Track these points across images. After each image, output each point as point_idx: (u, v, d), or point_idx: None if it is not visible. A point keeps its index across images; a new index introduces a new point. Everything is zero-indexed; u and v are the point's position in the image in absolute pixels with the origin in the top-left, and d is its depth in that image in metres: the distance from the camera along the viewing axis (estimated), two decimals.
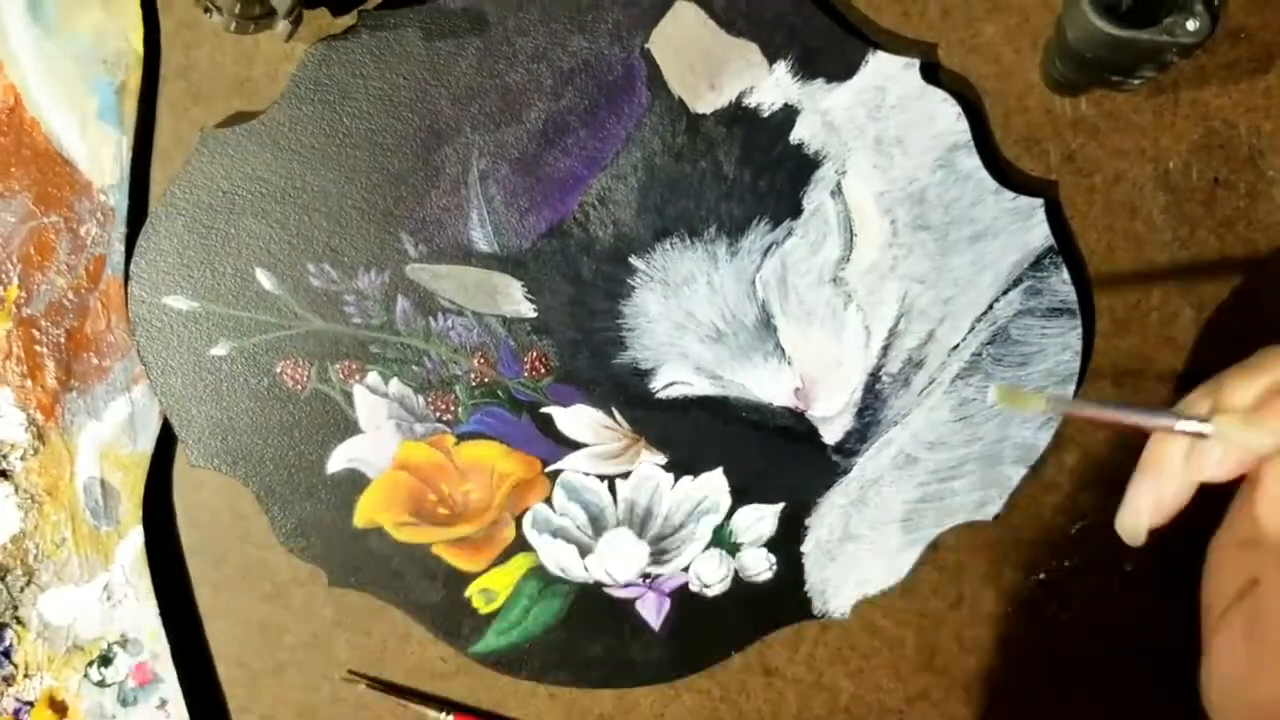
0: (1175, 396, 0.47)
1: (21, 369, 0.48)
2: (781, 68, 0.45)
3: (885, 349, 0.47)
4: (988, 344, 0.46)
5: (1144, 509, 0.37)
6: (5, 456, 0.48)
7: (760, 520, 0.48)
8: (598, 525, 0.49)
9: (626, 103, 0.46)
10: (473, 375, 0.48)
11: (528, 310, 0.47)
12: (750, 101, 0.45)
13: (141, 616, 0.49)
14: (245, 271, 0.47)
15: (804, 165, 0.46)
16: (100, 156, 0.47)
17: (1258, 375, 0.34)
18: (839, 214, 0.46)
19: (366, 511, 0.49)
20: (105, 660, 0.50)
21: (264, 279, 0.47)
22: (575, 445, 0.48)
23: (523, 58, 0.45)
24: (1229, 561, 0.37)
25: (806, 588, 0.49)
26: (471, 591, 0.49)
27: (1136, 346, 0.47)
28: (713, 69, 0.45)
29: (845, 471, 0.48)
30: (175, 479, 0.50)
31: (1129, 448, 0.47)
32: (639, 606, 0.49)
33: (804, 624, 0.50)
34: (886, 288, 0.46)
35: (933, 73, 0.46)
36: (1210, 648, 0.36)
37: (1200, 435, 0.35)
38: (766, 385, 0.47)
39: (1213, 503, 0.48)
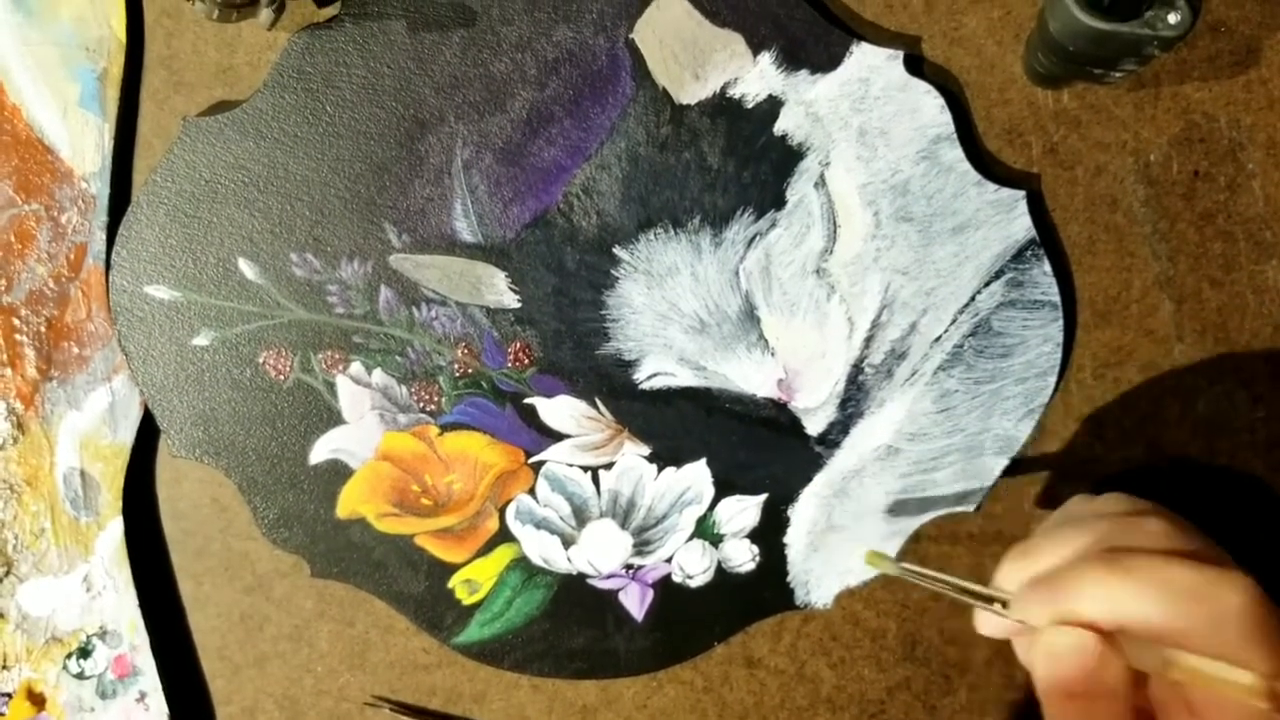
0: (1154, 391, 0.48)
1: (1, 358, 0.47)
2: (766, 59, 0.45)
3: (868, 340, 0.47)
4: (970, 336, 0.47)
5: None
6: None
7: (743, 511, 0.49)
8: (581, 516, 0.49)
9: (611, 93, 0.46)
10: (456, 366, 0.47)
11: (511, 301, 0.47)
12: (735, 92, 0.46)
13: (121, 608, 0.49)
14: (227, 261, 0.47)
15: (788, 156, 0.46)
16: (82, 144, 0.47)
17: (1037, 555, 0.38)
18: (822, 205, 0.46)
19: (349, 502, 0.48)
20: (84, 652, 0.49)
21: (246, 268, 0.47)
22: (558, 436, 0.48)
23: (507, 47, 0.45)
24: None
25: (789, 578, 0.49)
26: (454, 582, 0.49)
27: (1117, 339, 0.48)
28: (697, 59, 0.45)
29: (828, 463, 0.48)
30: (156, 470, 0.50)
31: (1108, 441, 0.48)
32: (622, 597, 0.49)
33: (786, 615, 0.50)
34: (869, 279, 0.46)
35: (916, 65, 0.46)
36: None
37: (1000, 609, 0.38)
38: (750, 376, 0.47)
39: (1177, 499, 0.48)
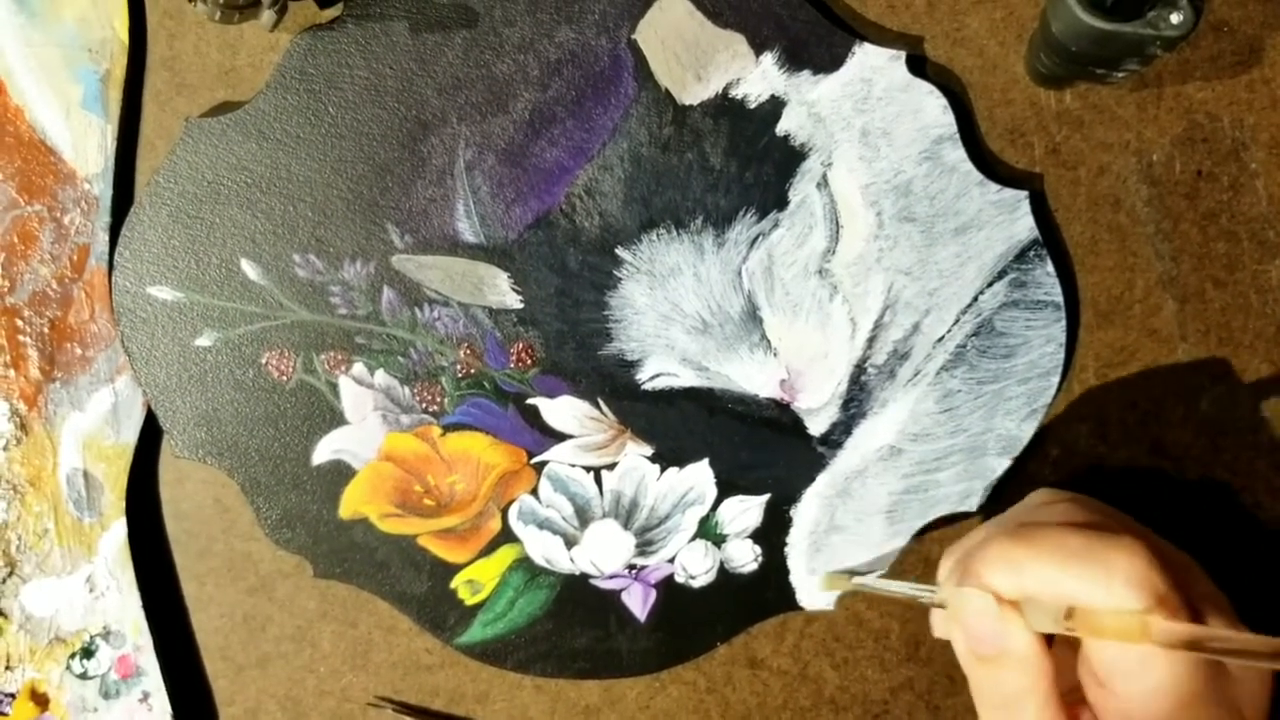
0: (1157, 391, 0.48)
1: (4, 359, 0.47)
2: (768, 59, 0.45)
3: (871, 341, 0.47)
4: (972, 336, 0.47)
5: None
6: None
7: (746, 511, 0.48)
8: (584, 516, 0.49)
9: (613, 94, 0.46)
10: (459, 366, 0.48)
11: (514, 301, 0.47)
12: (737, 93, 0.46)
13: (124, 609, 0.49)
14: (230, 262, 0.47)
15: (790, 157, 0.46)
16: (85, 145, 0.47)
17: (961, 545, 0.41)
18: (825, 206, 0.46)
19: (352, 503, 0.48)
20: (88, 652, 0.49)
21: (249, 269, 0.47)
22: (561, 436, 0.48)
23: (509, 48, 0.45)
24: None
25: (792, 579, 0.49)
26: (457, 583, 0.49)
27: (1120, 339, 0.48)
28: (699, 60, 0.45)
29: (830, 463, 0.48)
30: (159, 470, 0.50)
31: (1111, 441, 0.48)
32: (625, 598, 0.49)
33: (789, 615, 0.50)
34: (872, 279, 0.46)
35: (919, 65, 0.46)
36: None
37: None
38: (752, 377, 0.47)
39: (1180, 498, 0.48)
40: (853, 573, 0.47)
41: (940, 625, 0.42)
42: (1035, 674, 0.36)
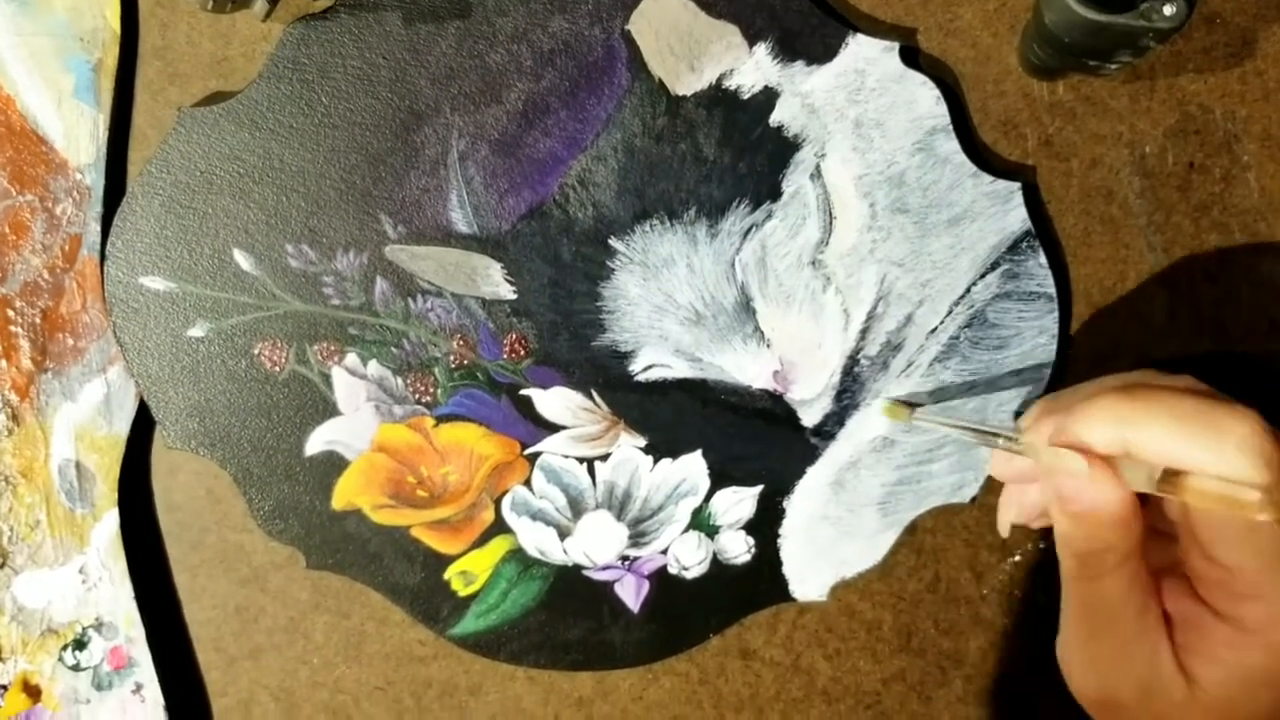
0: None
1: None
2: (762, 50, 0.45)
3: (864, 332, 0.47)
4: (965, 327, 0.47)
5: (1001, 507, 0.43)
6: None
7: (739, 503, 0.49)
8: (577, 508, 0.49)
9: (607, 84, 0.46)
10: (452, 357, 0.47)
11: (507, 292, 0.47)
12: (730, 84, 0.46)
13: (117, 600, 0.49)
14: (223, 252, 0.47)
15: (784, 148, 0.46)
16: (76, 135, 0.47)
17: (1061, 397, 0.40)
18: (818, 197, 0.46)
19: (345, 494, 0.48)
20: (80, 644, 0.49)
21: (242, 259, 0.47)
22: (554, 428, 0.48)
23: (502, 38, 0.45)
24: None
25: (784, 570, 0.49)
26: (450, 574, 0.49)
27: (1112, 330, 0.48)
28: (693, 51, 0.45)
29: (823, 454, 0.48)
30: (152, 461, 0.50)
31: None
32: (618, 589, 0.50)
33: (782, 606, 0.50)
34: (865, 271, 0.47)
35: (912, 56, 0.46)
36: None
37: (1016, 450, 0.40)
38: (745, 368, 0.47)
39: None
40: (915, 404, 0.47)
41: (1000, 465, 0.42)
42: (1122, 532, 0.36)
